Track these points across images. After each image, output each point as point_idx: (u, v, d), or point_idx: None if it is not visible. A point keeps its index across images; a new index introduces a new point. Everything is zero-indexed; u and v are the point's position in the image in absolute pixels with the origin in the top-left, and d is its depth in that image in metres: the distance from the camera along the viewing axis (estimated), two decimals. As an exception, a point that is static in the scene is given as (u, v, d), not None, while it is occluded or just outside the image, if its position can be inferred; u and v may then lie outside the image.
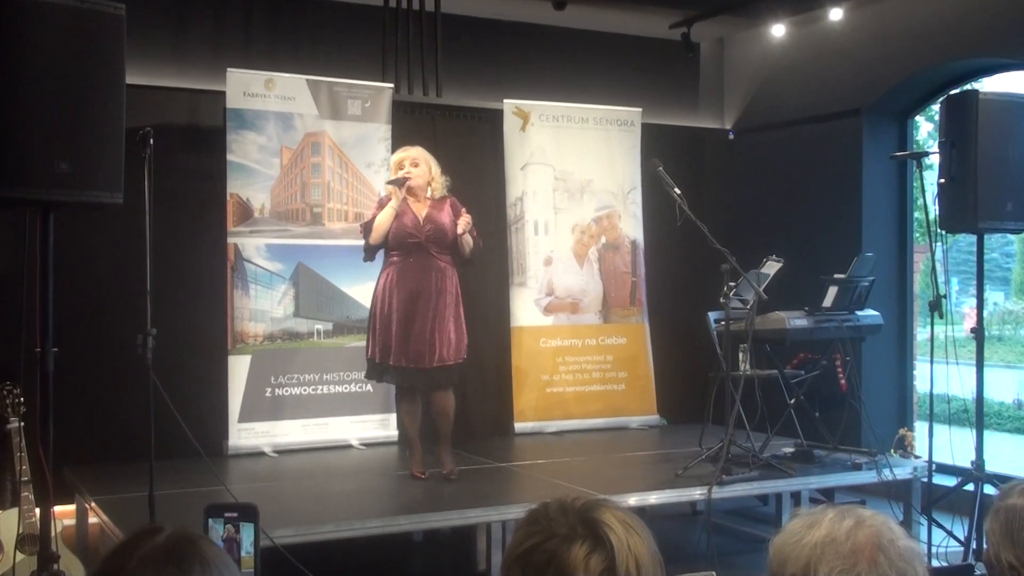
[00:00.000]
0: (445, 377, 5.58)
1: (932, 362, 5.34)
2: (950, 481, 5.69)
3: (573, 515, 1.52)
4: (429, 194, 5.61)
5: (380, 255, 5.66)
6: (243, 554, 2.12)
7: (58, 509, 4.26)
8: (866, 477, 5.86)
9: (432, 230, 5.52)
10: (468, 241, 5.58)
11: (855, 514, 1.66)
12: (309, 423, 6.62)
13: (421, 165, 5.59)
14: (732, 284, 5.58)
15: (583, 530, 1.49)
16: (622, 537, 1.49)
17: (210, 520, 2.04)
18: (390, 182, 5.57)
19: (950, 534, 5.42)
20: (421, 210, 5.55)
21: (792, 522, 1.70)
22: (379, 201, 5.72)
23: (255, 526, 2.05)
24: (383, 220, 5.50)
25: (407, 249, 5.51)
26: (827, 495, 6.06)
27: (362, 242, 5.67)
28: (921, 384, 7.46)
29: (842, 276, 6.06)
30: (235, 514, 2.05)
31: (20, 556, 4.39)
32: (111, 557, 1.49)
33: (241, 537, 2.09)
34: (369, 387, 6.56)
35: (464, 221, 5.51)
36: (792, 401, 6.05)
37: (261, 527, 4.33)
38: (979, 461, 5.38)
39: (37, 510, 4.33)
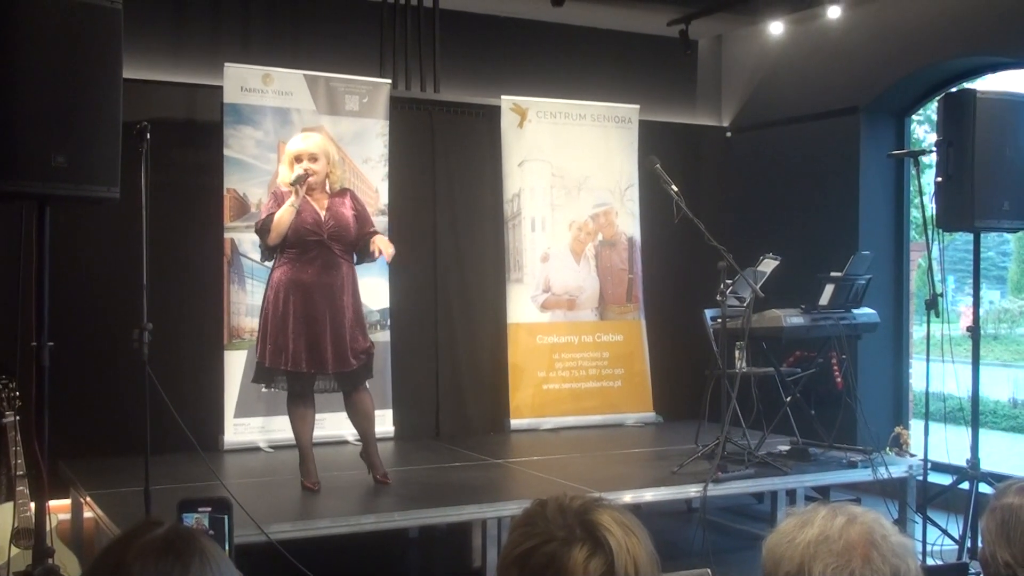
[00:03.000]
0: (359, 377, 5.36)
1: (928, 360, 5.34)
2: (945, 479, 5.70)
3: (571, 516, 1.51)
4: (328, 188, 5.30)
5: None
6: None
7: (53, 503, 4.25)
8: (861, 475, 5.87)
9: (335, 227, 5.22)
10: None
11: (847, 511, 1.66)
12: (305, 418, 6.60)
13: (320, 159, 5.23)
14: (729, 282, 5.58)
15: (582, 533, 1.49)
16: (621, 540, 1.49)
17: (184, 515, 2.02)
18: (292, 182, 5.14)
19: (945, 532, 5.42)
20: (321, 206, 5.24)
21: (784, 522, 1.70)
22: (274, 195, 5.31)
23: (228, 520, 2.04)
24: (283, 219, 5.14)
25: (306, 247, 5.18)
26: (822, 493, 6.06)
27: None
28: (917, 382, 7.47)
29: (839, 274, 6.07)
30: (209, 508, 2.04)
31: (15, 550, 4.39)
32: (110, 549, 1.49)
33: (216, 531, 2.07)
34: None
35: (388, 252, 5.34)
36: (788, 399, 6.05)
37: (259, 523, 4.36)
38: (974, 459, 5.39)
39: (32, 504, 4.34)
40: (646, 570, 1.49)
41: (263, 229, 5.24)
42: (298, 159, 5.24)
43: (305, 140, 5.38)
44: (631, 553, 1.48)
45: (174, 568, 1.43)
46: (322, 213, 5.24)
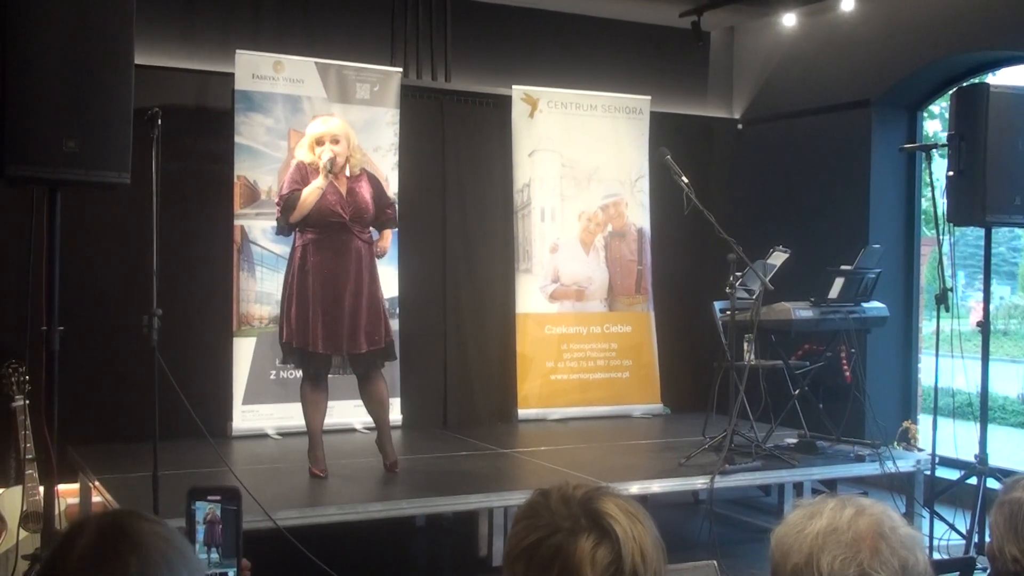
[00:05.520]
0: (374, 361, 5.42)
1: (937, 355, 5.32)
2: (953, 474, 5.68)
3: (575, 506, 1.51)
4: (348, 172, 5.39)
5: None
6: None
7: (62, 487, 4.28)
8: (869, 469, 5.86)
9: (355, 209, 5.34)
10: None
11: (855, 503, 1.66)
12: (313, 406, 6.61)
13: (341, 142, 5.37)
14: (738, 274, 5.58)
15: (587, 522, 1.48)
16: (627, 527, 1.48)
17: (195, 503, 2.03)
18: (328, 169, 5.26)
19: (952, 527, 5.42)
20: (342, 187, 5.34)
21: (793, 513, 1.70)
22: (298, 167, 5.38)
23: (238, 509, 2.04)
24: (309, 198, 5.25)
25: (328, 228, 5.30)
26: (830, 486, 6.06)
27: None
28: (926, 377, 7.46)
29: (849, 267, 6.05)
30: (218, 497, 2.03)
31: (24, 533, 4.41)
32: (45, 569, 1.43)
33: (225, 519, 2.07)
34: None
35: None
36: (796, 392, 6.05)
37: (267, 510, 4.37)
38: (982, 455, 5.37)
39: (41, 488, 4.36)
40: (652, 557, 1.49)
41: (288, 205, 5.31)
42: (319, 142, 5.35)
43: (325, 123, 5.50)
44: (637, 541, 1.48)
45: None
46: (343, 194, 5.34)
